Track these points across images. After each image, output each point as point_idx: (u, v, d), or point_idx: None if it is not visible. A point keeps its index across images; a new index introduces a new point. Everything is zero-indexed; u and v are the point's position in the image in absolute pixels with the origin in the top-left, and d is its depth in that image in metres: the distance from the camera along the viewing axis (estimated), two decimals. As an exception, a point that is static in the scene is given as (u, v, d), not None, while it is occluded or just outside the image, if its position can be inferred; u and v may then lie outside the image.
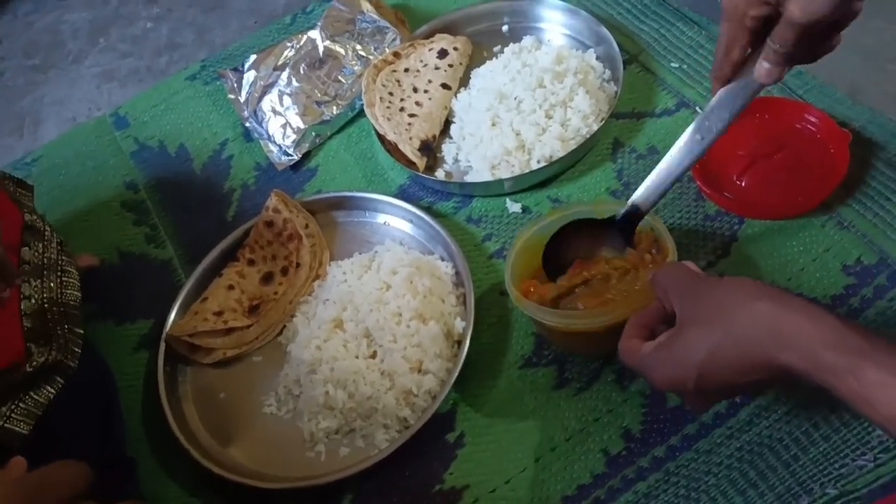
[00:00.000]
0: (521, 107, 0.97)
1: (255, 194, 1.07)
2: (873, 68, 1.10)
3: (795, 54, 0.64)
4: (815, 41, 0.64)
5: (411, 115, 1.04)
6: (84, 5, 1.93)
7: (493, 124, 0.98)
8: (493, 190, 0.97)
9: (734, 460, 0.72)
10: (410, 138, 1.01)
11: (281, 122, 1.09)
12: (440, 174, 1.01)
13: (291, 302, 0.92)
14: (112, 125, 1.21)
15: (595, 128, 0.96)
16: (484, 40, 1.14)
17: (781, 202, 0.85)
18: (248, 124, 1.13)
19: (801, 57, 0.65)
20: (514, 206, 0.96)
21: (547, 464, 0.77)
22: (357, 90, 1.10)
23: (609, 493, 0.74)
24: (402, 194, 1.01)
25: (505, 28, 1.14)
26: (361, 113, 1.09)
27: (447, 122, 1.05)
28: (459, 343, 0.84)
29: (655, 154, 0.95)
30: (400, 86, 1.08)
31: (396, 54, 1.11)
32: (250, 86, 1.14)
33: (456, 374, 0.80)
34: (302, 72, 1.12)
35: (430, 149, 1.01)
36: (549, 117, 0.97)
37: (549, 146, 0.95)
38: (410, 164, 1.00)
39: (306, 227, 0.96)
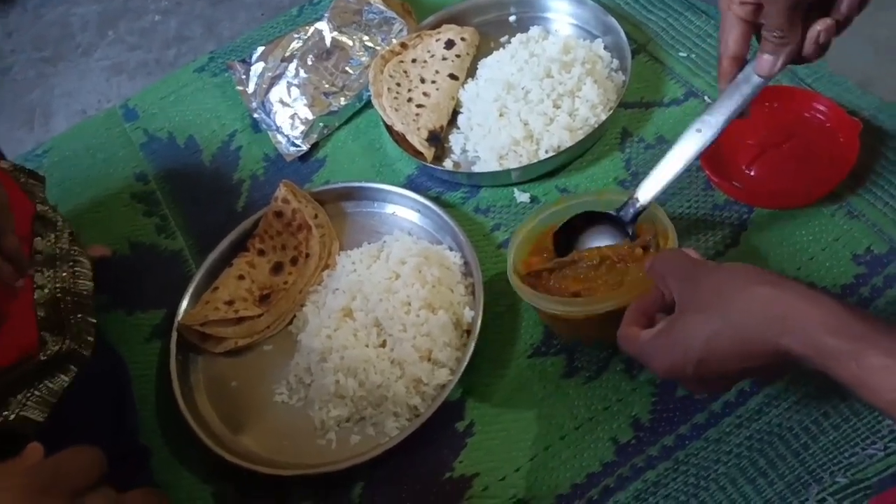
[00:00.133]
0: (529, 97, 0.97)
1: (264, 185, 1.07)
2: (885, 60, 1.10)
3: (788, 39, 0.63)
4: (807, 25, 0.63)
5: (419, 106, 1.04)
6: (92, -2, 1.94)
7: (501, 114, 0.98)
8: (501, 180, 0.97)
9: (744, 449, 0.72)
10: (418, 129, 1.01)
11: (289, 114, 1.10)
12: (448, 164, 1.01)
13: (301, 291, 0.92)
14: (121, 117, 1.22)
15: (603, 117, 0.96)
16: (491, 31, 1.13)
17: (791, 191, 0.85)
18: (256, 115, 1.14)
19: (796, 44, 0.65)
20: (522, 196, 0.96)
21: (556, 452, 0.77)
22: (364, 81, 1.10)
23: (618, 481, 0.74)
24: (410, 185, 1.01)
25: (512, 18, 1.14)
26: (369, 104, 1.09)
27: (455, 113, 1.05)
28: (468, 332, 0.84)
29: (664, 143, 0.95)
30: (407, 76, 1.08)
31: (404, 45, 1.11)
32: (258, 77, 1.14)
33: (465, 362, 0.80)
34: (309, 63, 1.13)
35: (437, 139, 1.01)
36: (556, 107, 0.97)
37: (557, 136, 0.95)
38: (418, 154, 1.00)
39: (315, 217, 0.97)
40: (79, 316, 0.81)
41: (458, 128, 1.04)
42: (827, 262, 0.81)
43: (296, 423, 0.84)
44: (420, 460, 0.80)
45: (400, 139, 1.03)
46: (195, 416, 0.85)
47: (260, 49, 1.17)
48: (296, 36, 1.16)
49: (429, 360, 0.82)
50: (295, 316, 0.92)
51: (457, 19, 1.14)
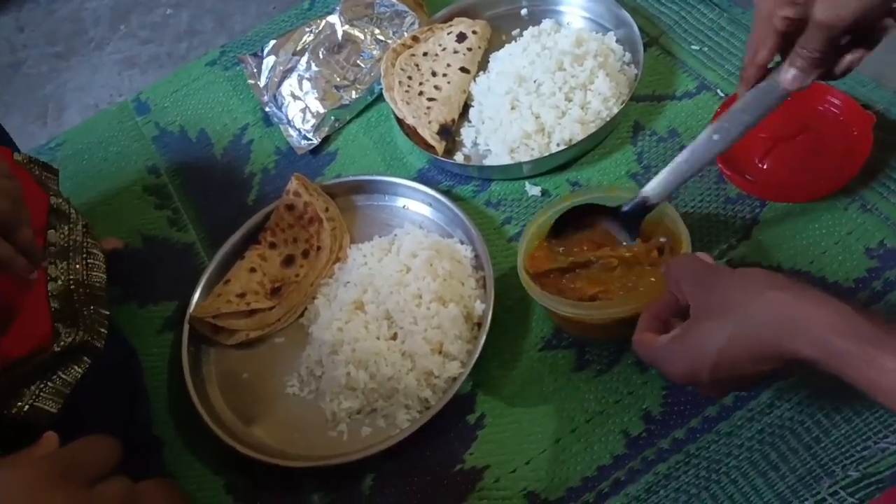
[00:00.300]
0: (541, 90, 0.97)
1: (276, 178, 1.07)
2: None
3: (821, 62, 0.63)
4: (841, 50, 0.63)
5: (430, 99, 1.04)
6: (104, -7, 1.95)
7: (513, 107, 0.98)
8: (513, 173, 0.97)
9: (755, 442, 0.72)
10: (429, 122, 1.01)
11: (300, 107, 1.10)
12: (459, 158, 1.01)
13: (313, 284, 0.93)
14: (133, 111, 1.23)
15: (615, 111, 0.96)
16: (503, 24, 1.13)
17: (803, 185, 0.85)
18: (267, 109, 1.14)
19: (827, 67, 0.65)
20: (533, 190, 0.96)
21: (567, 445, 0.77)
22: (376, 74, 1.10)
23: (629, 474, 0.74)
24: (421, 178, 1.01)
25: (524, 11, 1.14)
26: (380, 97, 1.09)
27: (466, 106, 1.05)
28: (479, 325, 0.84)
29: (676, 137, 0.95)
30: (419, 70, 1.08)
31: (415, 38, 1.11)
32: (270, 71, 1.15)
33: (476, 355, 0.80)
34: (321, 56, 1.13)
35: (448, 132, 1.01)
36: (568, 100, 0.96)
37: (569, 129, 0.95)
38: (429, 147, 1.00)
39: (326, 210, 0.97)
40: (92, 308, 0.81)
41: (470, 121, 1.04)
42: (840, 255, 0.81)
43: (307, 415, 0.84)
44: (431, 452, 0.80)
45: (411, 132, 1.03)
46: (207, 407, 0.85)
47: (271, 42, 1.17)
48: (307, 29, 1.17)
49: (440, 352, 0.82)
50: (306, 308, 0.92)
51: (468, 12, 1.14)
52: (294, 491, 0.81)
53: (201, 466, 0.85)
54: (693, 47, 1.02)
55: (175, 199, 1.09)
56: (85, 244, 0.86)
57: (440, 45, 1.10)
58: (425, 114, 1.02)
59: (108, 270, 0.88)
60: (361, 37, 1.14)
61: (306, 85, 1.11)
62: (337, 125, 1.10)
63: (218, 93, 1.20)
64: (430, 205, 0.96)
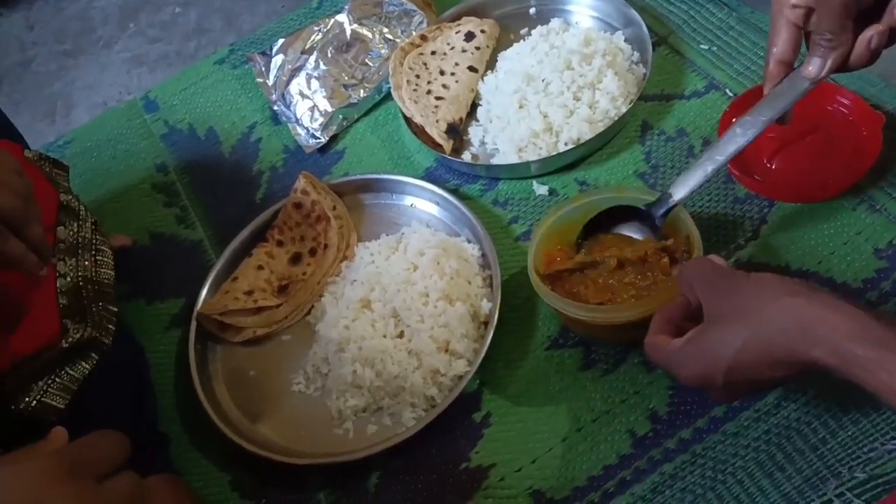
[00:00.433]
0: (549, 89, 0.97)
1: (284, 177, 1.08)
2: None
3: (840, 44, 0.63)
4: (858, 28, 0.63)
5: (438, 98, 1.04)
6: (113, -9, 1.95)
7: (521, 106, 0.98)
8: (520, 172, 0.97)
9: (762, 443, 0.72)
10: (437, 121, 1.01)
11: (308, 106, 1.10)
12: (467, 157, 1.01)
13: (320, 282, 0.93)
14: (142, 109, 1.23)
15: (623, 110, 0.95)
16: (511, 23, 1.13)
17: (812, 185, 0.84)
18: (276, 107, 1.14)
19: (845, 50, 0.64)
20: (540, 189, 0.96)
21: (573, 444, 0.77)
22: (384, 73, 1.10)
23: (635, 473, 0.74)
24: (429, 177, 1.01)
25: (532, 10, 1.14)
26: (388, 96, 1.09)
27: (474, 105, 1.05)
28: (486, 324, 0.84)
29: (684, 136, 0.94)
30: (427, 69, 1.08)
31: (423, 37, 1.11)
32: (278, 69, 1.15)
33: (483, 354, 0.80)
34: (329, 55, 1.13)
35: (456, 131, 1.01)
36: (576, 99, 0.96)
37: (577, 128, 0.95)
38: (437, 146, 1.00)
39: (334, 208, 0.97)
40: (100, 304, 0.81)
41: (478, 120, 1.04)
42: (848, 256, 0.80)
43: (313, 413, 0.85)
44: (437, 451, 0.80)
45: (419, 131, 1.03)
46: (213, 404, 0.86)
47: (280, 41, 1.17)
48: (316, 28, 1.17)
49: (446, 351, 0.82)
50: (313, 306, 0.92)
51: (477, 11, 1.14)
52: (300, 488, 0.81)
53: (208, 463, 0.86)
54: (702, 46, 1.02)
55: (183, 197, 1.10)
56: (94, 241, 0.86)
57: (448, 44, 1.10)
58: (433, 112, 1.02)
59: (117, 267, 0.88)
60: (370, 35, 1.15)
61: (315, 83, 1.11)
62: (345, 124, 1.10)
63: (226, 91, 1.21)
64: (438, 203, 0.96)
